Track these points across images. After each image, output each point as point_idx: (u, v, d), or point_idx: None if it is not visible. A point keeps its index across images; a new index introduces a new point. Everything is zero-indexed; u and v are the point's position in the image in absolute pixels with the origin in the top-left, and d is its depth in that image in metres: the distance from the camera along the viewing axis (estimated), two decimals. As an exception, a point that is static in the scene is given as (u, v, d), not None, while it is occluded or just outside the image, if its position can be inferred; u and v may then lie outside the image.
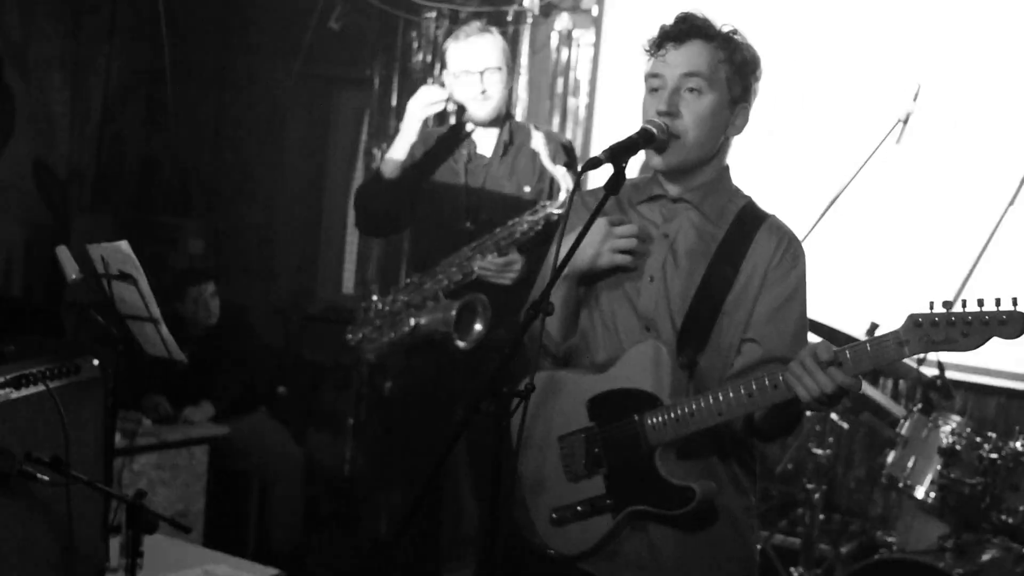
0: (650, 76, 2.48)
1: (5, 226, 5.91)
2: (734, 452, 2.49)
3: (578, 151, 6.13)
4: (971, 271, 4.63)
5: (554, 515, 2.52)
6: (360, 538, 5.60)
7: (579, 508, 2.49)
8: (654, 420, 2.39)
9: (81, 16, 6.02)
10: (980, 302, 2.06)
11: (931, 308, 2.10)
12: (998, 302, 2.05)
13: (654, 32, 2.50)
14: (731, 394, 2.29)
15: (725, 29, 2.47)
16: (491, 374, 2.17)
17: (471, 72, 3.90)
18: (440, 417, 3.93)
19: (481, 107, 3.95)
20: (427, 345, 3.97)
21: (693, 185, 2.51)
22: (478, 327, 3.86)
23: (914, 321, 2.10)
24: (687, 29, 2.45)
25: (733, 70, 2.45)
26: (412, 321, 3.94)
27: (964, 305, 2.07)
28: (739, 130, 2.52)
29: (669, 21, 2.50)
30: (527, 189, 3.98)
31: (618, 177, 2.33)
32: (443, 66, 4.05)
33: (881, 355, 2.13)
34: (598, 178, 2.47)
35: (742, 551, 2.54)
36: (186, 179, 6.52)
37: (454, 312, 3.84)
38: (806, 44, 5.09)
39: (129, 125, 6.34)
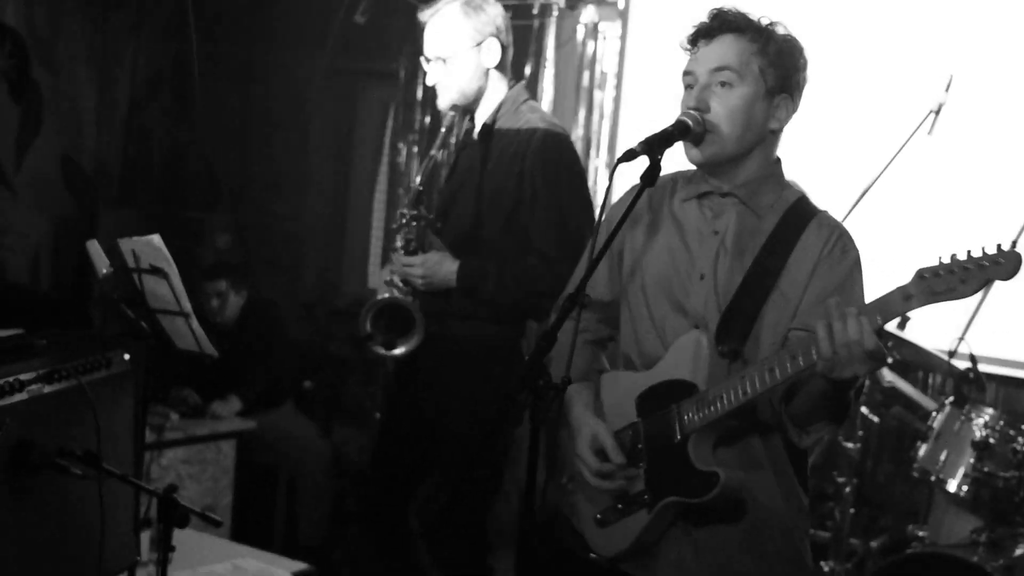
0: (685, 74, 2.47)
1: (33, 220, 5.93)
2: (785, 446, 2.45)
3: (604, 145, 6.14)
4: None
5: (598, 516, 2.50)
6: (388, 532, 5.59)
7: (619, 506, 2.47)
8: (688, 408, 2.37)
9: (108, 11, 6.03)
10: (982, 249, 2.05)
11: (939, 261, 2.07)
12: (998, 247, 2.03)
13: (688, 29, 2.47)
14: (755, 373, 2.27)
15: (761, 21, 2.44)
16: (526, 366, 2.15)
17: (426, 58, 3.60)
18: (462, 410, 3.77)
19: (440, 97, 3.62)
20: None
21: (740, 180, 2.48)
22: (411, 340, 3.61)
23: (920, 275, 2.08)
24: (717, 25, 2.44)
25: (767, 61, 2.41)
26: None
27: (969, 255, 2.05)
28: (782, 122, 2.47)
29: (702, 17, 2.47)
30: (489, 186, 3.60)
31: (654, 169, 2.32)
32: None
33: (887, 310, 2.11)
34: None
35: (790, 551, 2.48)
36: (213, 173, 6.52)
37: (368, 320, 3.66)
38: (838, 36, 5.06)
39: (156, 119, 6.35)
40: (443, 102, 3.62)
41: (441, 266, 3.56)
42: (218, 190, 6.56)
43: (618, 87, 6.02)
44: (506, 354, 3.67)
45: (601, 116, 6.14)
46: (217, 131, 6.38)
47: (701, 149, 2.42)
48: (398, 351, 3.65)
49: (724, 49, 2.40)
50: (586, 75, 6.19)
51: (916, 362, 4.87)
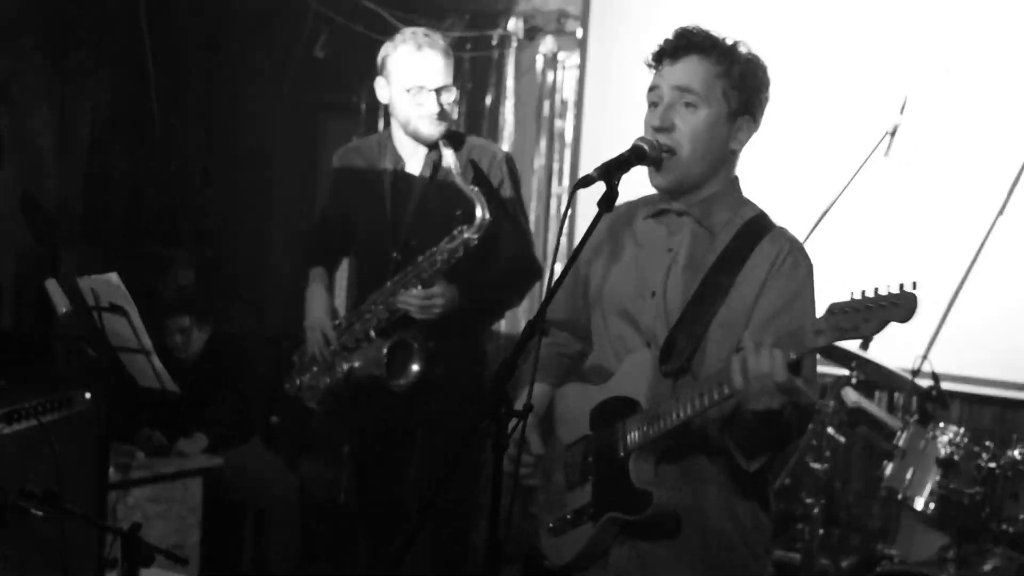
0: (650, 89, 2.48)
1: (-7, 260, 5.89)
2: (732, 466, 2.44)
3: (566, 172, 6.16)
4: (963, 280, 4.64)
5: (551, 525, 2.54)
6: (359, 567, 5.56)
7: (568, 517, 2.50)
8: (631, 426, 2.39)
9: (66, 50, 6.00)
10: (878, 288, 2.05)
11: (851, 297, 2.08)
12: (901, 287, 2.03)
13: (652, 47, 2.48)
14: (687, 394, 2.29)
15: (728, 42, 2.45)
16: (488, 394, 2.15)
17: (426, 89, 3.64)
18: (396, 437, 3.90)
19: (433, 127, 3.67)
20: (366, 391, 3.83)
21: (697, 199, 2.49)
22: (414, 367, 3.68)
23: (830, 310, 2.09)
24: (683, 45, 2.44)
25: (731, 83, 2.43)
26: (345, 366, 3.81)
27: (876, 292, 2.05)
28: (743, 143, 2.49)
29: (668, 36, 2.49)
30: (459, 213, 3.68)
31: (610, 195, 2.31)
32: (381, 72, 3.76)
33: (799, 342, 2.13)
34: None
35: (741, 569, 2.47)
36: (174, 210, 6.49)
37: (384, 352, 3.68)
38: (796, 56, 5.10)
39: (116, 157, 6.32)
40: (435, 131, 3.68)
41: (451, 292, 3.66)
42: (180, 227, 6.52)
43: (578, 116, 6.04)
44: (470, 366, 3.87)
45: (563, 144, 6.17)
46: (178, 168, 6.36)
47: (663, 175, 2.43)
48: (410, 379, 3.69)
49: (689, 71, 2.41)
50: (547, 104, 6.22)
51: (880, 382, 4.89)
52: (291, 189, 6.82)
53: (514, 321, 5.86)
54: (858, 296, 2.07)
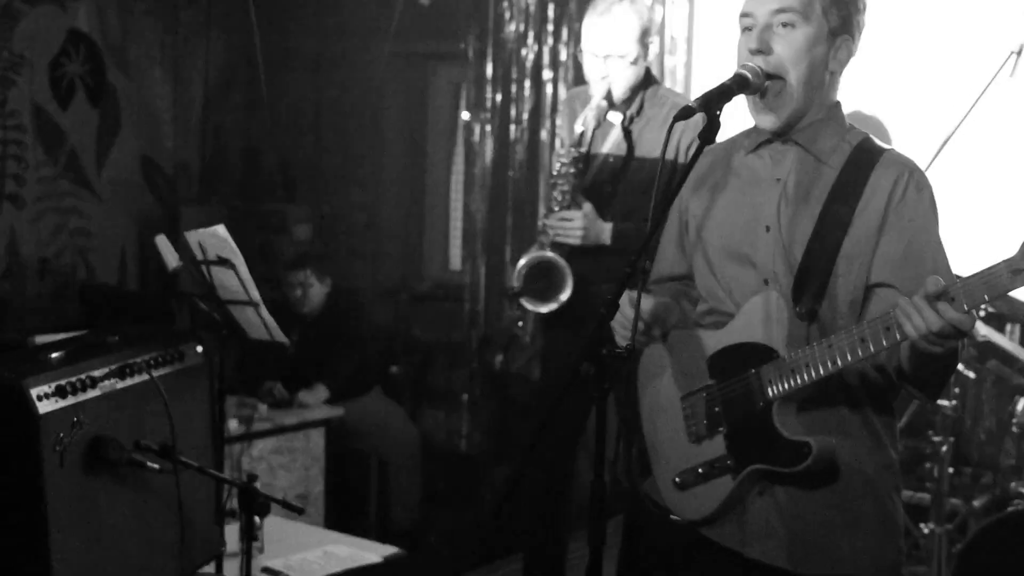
0: (742, 16, 2.35)
1: (118, 221, 6.01)
2: (870, 403, 2.33)
3: (679, 110, 6.03)
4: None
5: (677, 479, 2.42)
6: (480, 513, 5.58)
7: (700, 470, 2.38)
8: (768, 372, 2.26)
9: (178, 11, 6.07)
10: None
11: None
12: None
13: None
14: (844, 340, 2.14)
15: None
16: (589, 336, 2.08)
17: (596, 56, 3.72)
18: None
19: (598, 87, 3.75)
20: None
21: (802, 124, 2.36)
22: (562, 295, 3.72)
23: None
24: None
25: (830, 1, 2.30)
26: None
27: None
28: (843, 64, 2.35)
29: None
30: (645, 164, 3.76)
31: (712, 125, 2.21)
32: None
33: (994, 286, 1.94)
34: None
35: (881, 512, 2.36)
36: (288, 166, 6.54)
37: (522, 270, 3.75)
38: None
39: (230, 116, 6.39)
40: (601, 92, 3.72)
41: (597, 222, 3.71)
42: (295, 182, 6.57)
43: (688, 51, 5.91)
44: None
45: (674, 82, 6.02)
46: (290, 124, 6.39)
47: (773, 114, 2.30)
48: (549, 307, 3.75)
49: None
50: (656, 41, 6.07)
51: (1010, 314, 4.70)
52: (402, 139, 6.81)
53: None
54: None
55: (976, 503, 4.65)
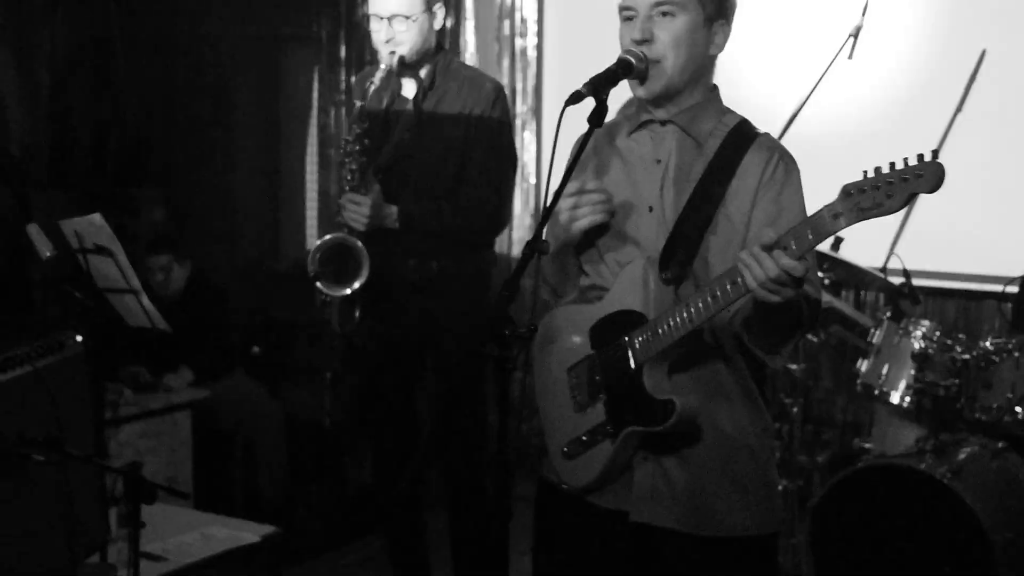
0: (623, 8, 2.39)
1: (-37, 209, 5.73)
2: (748, 369, 2.41)
3: (530, 91, 6.06)
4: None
5: (565, 449, 2.45)
6: (346, 487, 5.55)
7: (584, 438, 2.42)
8: (638, 338, 2.32)
9: (21, -8, 5.82)
10: (904, 160, 1.96)
11: (864, 175, 2.02)
12: (920, 157, 1.96)
13: None
14: (698, 299, 2.22)
15: None
16: (491, 316, 2.09)
17: (380, 17, 3.62)
18: (405, 362, 3.84)
19: (384, 53, 3.64)
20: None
21: (681, 108, 2.42)
22: (355, 282, 3.61)
23: (846, 192, 2.01)
24: None
25: None
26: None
27: (892, 167, 1.98)
28: (720, 48, 2.42)
29: None
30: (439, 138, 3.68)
31: (600, 109, 2.26)
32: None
33: (819, 231, 2.04)
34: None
35: (762, 473, 2.44)
36: (140, 148, 6.35)
37: (316, 253, 3.64)
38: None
39: (78, 97, 6.15)
40: (391, 59, 3.62)
41: (381, 208, 3.62)
42: (147, 165, 6.38)
43: (539, 34, 5.95)
44: (478, 287, 3.77)
45: (525, 63, 6.06)
46: (141, 105, 6.20)
47: (647, 85, 2.36)
48: (347, 290, 3.63)
49: None
50: (507, 24, 6.09)
51: (850, 280, 4.89)
52: (255, 120, 6.69)
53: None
54: (872, 174, 2.00)
55: (820, 458, 4.83)
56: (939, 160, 1.95)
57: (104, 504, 3.06)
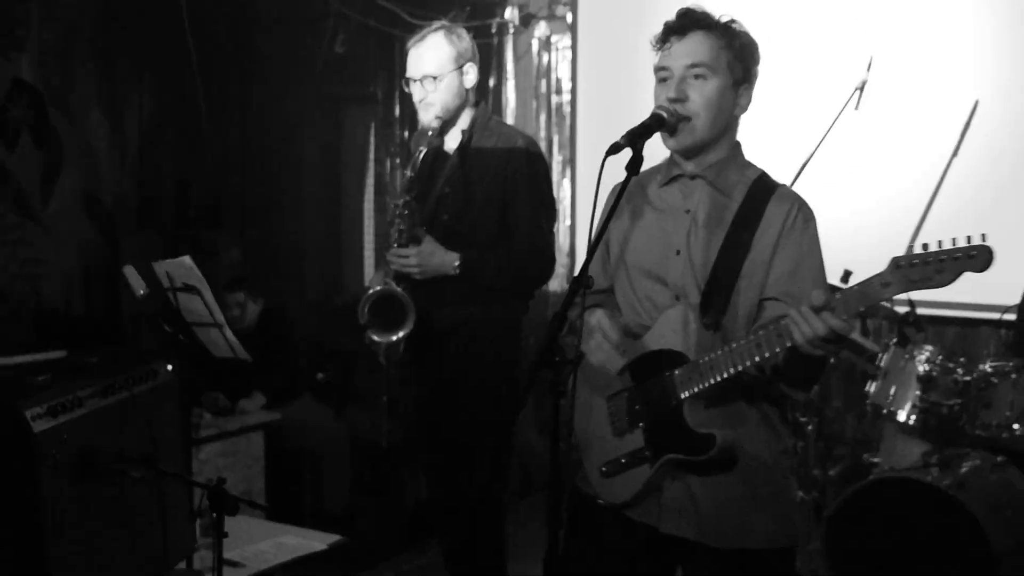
0: (659, 69, 2.41)
1: (62, 250, 5.81)
2: (765, 399, 2.41)
3: (565, 143, 6.09)
4: (924, 215, 4.62)
5: (603, 468, 2.47)
6: (403, 500, 5.55)
7: (623, 460, 2.44)
8: (681, 375, 2.33)
9: (114, 59, 5.91)
10: (953, 240, 1.97)
11: (910, 251, 2.02)
12: (968, 239, 1.96)
13: (659, 29, 2.42)
14: (743, 347, 2.22)
15: (724, 19, 2.41)
16: (543, 346, 2.10)
17: (413, 79, 3.55)
18: (440, 388, 3.70)
19: (423, 112, 3.57)
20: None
21: (707, 163, 2.43)
22: (401, 331, 3.47)
23: (895, 264, 2.02)
24: (688, 23, 2.39)
25: (734, 55, 2.38)
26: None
27: (940, 245, 1.98)
28: (744, 109, 2.44)
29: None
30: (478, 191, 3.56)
31: (636, 159, 2.27)
32: None
33: (868, 296, 2.05)
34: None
35: (778, 492, 2.44)
36: (219, 197, 6.42)
37: (366, 311, 3.52)
38: (775, 29, 5.01)
39: (164, 152, 6.23)
40: (427, 116, 3.57)
41: (434, 256, 3.51)
42: (224, 211, 6.45)
43: (573, 91, 5.98)
44: (510, 332, 3.66)
45: (560, 117, 6.10)
46: (220, 159, 6.28)
47: (678, 138, 2.38)
48: (394, 337, 3.54)
49: (696, 45, 2.36)
50: (543, 83, 6.14)
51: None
52: (319, 172, 6.75)
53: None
54: (919, 250, 2.00)
55: (832, 472, 4.79)
56: (988, 244, 1.95)
57: (191, 516, 3.09)
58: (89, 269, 5.78)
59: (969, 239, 1.96)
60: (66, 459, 2.46)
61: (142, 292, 3.10)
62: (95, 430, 2.57)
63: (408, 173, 3.60)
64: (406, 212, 3.56)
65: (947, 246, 1.97)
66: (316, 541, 3.62)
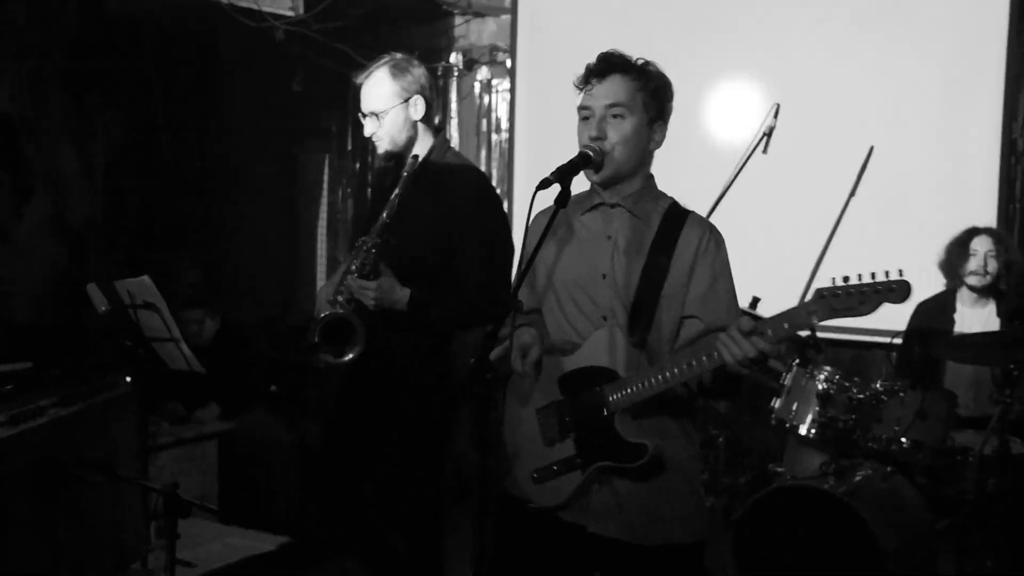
0: (581, 108, 2.43)
1: (33, 270, 5.70)
2: (682, 408, 2.44)
3: (503, 177, 6.11)
4: (825, 247, 4.70)
5: (535, 475, 2.46)
6: (349, 504, 5.48)
7: (554, 467, 2.44)
8: (613, 390, 2.35)
9: (82, 91, 5.82)
10: (872, 275, 2.01)
11: (833, 282, 2.05)
12: (887, 274, 2.00)
13: (581, 71, 2.44)
14: (675, 367, 2.25)
15: (639, 62, 2.43)
16: (475, 363, 2.10)
17: (363, 115, 3.37)
18: (406, 402, 3.51)
19: (378, 146, 3.40)
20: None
21: (625, 192, 2.46)
22: (355, 349, 3.28)
23: (820, 294, 2.05)
24: (607, 66, 2.42)
25: (648, 95, 2.41)
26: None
27: (860, 278, 2.02)
28: (659, 144, 2.47)
29: (581, 65, 2.45)
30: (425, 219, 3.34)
31: (565, 193, 2.28)
32: None
33: (794, 323, 2.08)
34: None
35: (690, 493, 2.48)
36: (180, 221, 6.34)
37: (317, 332, 3.32)
38: (690, 75, 5.10)
39: (128, 179, 6.14)
40: (380, 149, 3.43)
41: (393, 292, 3.31)
42: (185, 234, 6.37)
43: (511, 130, 6.01)
44: (439, 358, 3.49)
45: (500, 154, 6.12)
46: (182, 184, 6.20)
47: (600, 173, 2.40)
48: (344, 359, 3.36)
49: (615, 87, 2.38)
50: (484, 122, 6.16)
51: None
52: (275, 198, 6.71)
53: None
54: (842, 282, 2.02)
55: (741, 480, 4.83)
56: (906, 280, 1.98)
57: (146, 518, 3.03)
58: (57, 287, 5.67)
59: (887, 273, 1.99)
60: (28, 465, 2.39)
61: (104, 308, 3.04)
62: (56, 437, 2.51)
63: (383, 218, 3.36)
64: (373, 251, 3.35)
65: (867, 279, 2.00)
66: (265, 542, 3.57)
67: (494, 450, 2.19)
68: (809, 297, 2.06)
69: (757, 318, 2.18)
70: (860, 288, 2.01)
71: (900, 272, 1.99)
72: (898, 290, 1.98)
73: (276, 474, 5.28)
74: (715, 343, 2.16)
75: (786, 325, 2.08)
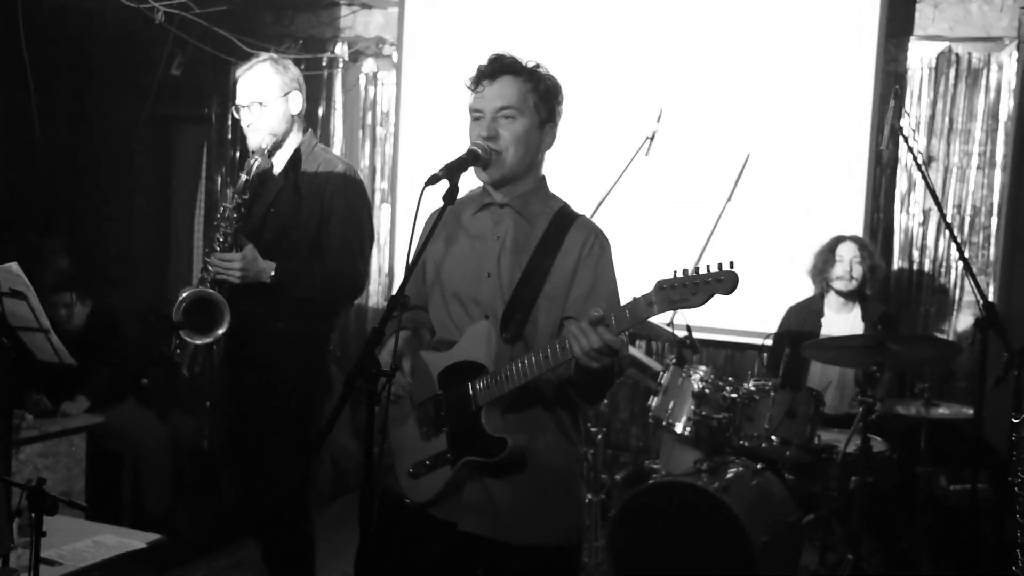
0: (473, 109, 2.43)
1: None
2: (557, 405, 2.44)
3: (388, 171, 6.06)
4: (703, 250, 4.78)
5: (411, 470, 2.46)
6: (221, 500, 5.37)
7: (427, 462, 2.44)
8: (480, 384, 2.35)
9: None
10: (707, 267, 2.05)
11: (673, 275, 2.08)
12: (720, 266, 2.04)
13: (473, 72, 2.44)
14: (533, 358, 2.26)
15: (530, 64, 2.44)
16: (360, 358, 2.07)
17: (242, 105, 3.47)
18: (284, 390, 3.53)
19: (251, 136, 3.49)
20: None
21: (515, 193, 2.46)
22: (217, 331, 3.35)
23: (659, 286, 2.08)
24: (498, 68, 2.42)
25: (539, 97, 2.42)
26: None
27: (696, 271, 2.06)
28: (549, 145, 2.48)
29: (469, 63, 2.45)
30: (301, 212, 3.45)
31: (452, 190, 2.27)
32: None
33: (636, 314, 2.11)
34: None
35: (569, 494, 2.48)
36: (48, 205, 6.08)
37: (181, 304, 3.35)
38: (574, 78, 5.16)
39: (-5, 160, 5.87)
40: (255, 140, 3.49)
41: (256, 262, 3.36)
42: (55, 219, 6.11)
43: (396, 123, 5.96)
44: (317, 346, 3.57)
45: (384, 147, 6.06)
46: (52, 168, 5.95)
47: (490, 171, 2.40)
48: (210, 338, 3.38)
49: (506, 88, 2.39)
50: (369, 115, 6.09)
51: (642, 333, 5.01)
52: (151, 185, 6.50)
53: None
54: (680, 274, 2.05)
55: (618, 476, 4.91)
56: (735, 271, 2.02)
57: (8, 516, 2.89)
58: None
59: (720, 265, 2.03)
60: None
61: (-34, 296, 2.89)
62: (-89, 431, 2.37)
63: (243, 176, 3.46)
64: (235, 216, 3.44)
65: (703, 271, 2.04)
66: (135, 540, 3.44)
67: (379, 446, 2.15)
68: (650, 289, 2.10)
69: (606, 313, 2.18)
70: (693, 280, 2.04)
71: (731, 264, 2.03)
72: (726, 281, 2.02)
73: (147, 469, 5.13)
74: (566, 334, 2.18)
75: (628, 315, 2.12)
